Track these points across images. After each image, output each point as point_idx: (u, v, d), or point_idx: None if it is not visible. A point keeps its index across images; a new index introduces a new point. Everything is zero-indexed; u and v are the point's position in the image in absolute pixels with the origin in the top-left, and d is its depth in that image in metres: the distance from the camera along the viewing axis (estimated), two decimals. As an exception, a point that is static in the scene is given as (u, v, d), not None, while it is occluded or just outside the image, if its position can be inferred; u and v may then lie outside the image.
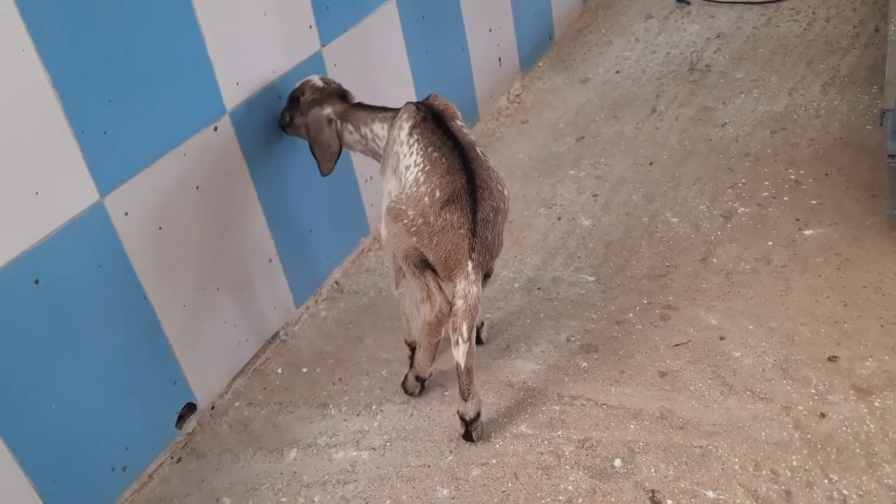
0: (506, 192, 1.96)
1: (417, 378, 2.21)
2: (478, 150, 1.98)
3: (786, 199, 2.73)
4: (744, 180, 2.86)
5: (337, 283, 2.74)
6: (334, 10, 2.55)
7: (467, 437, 2.04)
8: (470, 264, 1.86)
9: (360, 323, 2.56)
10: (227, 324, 2.33)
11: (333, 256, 2.74)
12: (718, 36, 3.90)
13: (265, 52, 2.32)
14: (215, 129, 2.18)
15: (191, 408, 2.24)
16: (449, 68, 3.23)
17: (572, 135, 3.33)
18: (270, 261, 2.45)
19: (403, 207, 1.91)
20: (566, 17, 4.21)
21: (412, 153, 1.96)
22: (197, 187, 2.15)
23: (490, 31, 3.51)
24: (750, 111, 3.26)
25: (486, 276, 2.03)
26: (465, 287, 1.87)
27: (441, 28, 3.15)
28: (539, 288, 2.56)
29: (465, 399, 1.98)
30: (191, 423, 2.25)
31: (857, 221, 2.56)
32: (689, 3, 4.24)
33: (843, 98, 3.21)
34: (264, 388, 2.37)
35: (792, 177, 2.83)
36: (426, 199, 1.87)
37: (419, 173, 1.91)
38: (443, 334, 1.99)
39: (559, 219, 2.86)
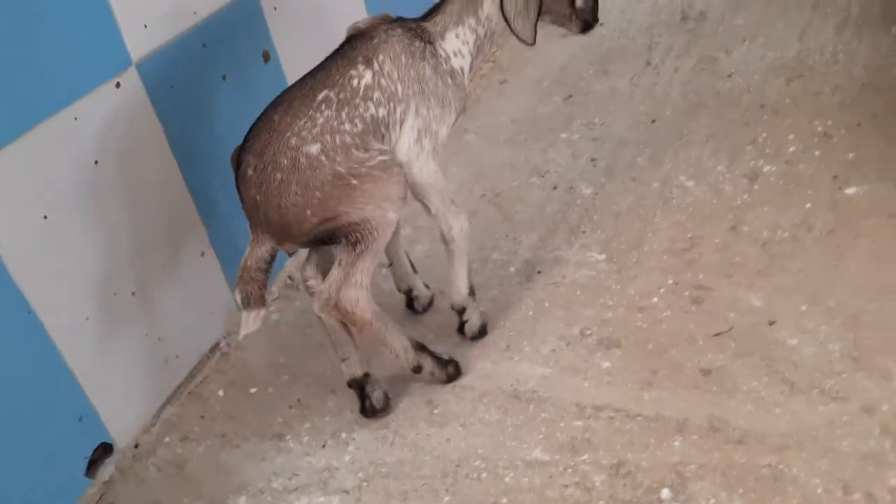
0: (304, 147, 1.53)
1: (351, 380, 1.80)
2: (306, 89, 1.59)
3: (817, 153, 2.32)
4: (764, 135, 2.45)
5: (291, 277, 2.24)
6: (269, -63, 2.04)
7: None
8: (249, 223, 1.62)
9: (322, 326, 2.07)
10: (149, 337, 1.82)
11: (284, 246, 2.24)
12: (709, -19, 3.48)
13: (182, -13, 1.81)
14: (117, 85, 1.66)
15: (106, 449, 1.74)
16: (412, 12, 2.74)
17: (559, 93, 2.88)
18: (203, 254, 1.94)
19: None
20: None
21: None
22: (95, 162, 1.63)
23: (455, -21, 3.02)
24: (758, 59, 2.85)
25: (329, 241, 1.62)
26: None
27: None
28: (540, 272, 2.11)
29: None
30: (107, 469, 1.74)
31: (908, 175, 2.16)
32: None
33: (861, 40, 2.81)
34: (202, 417, 1.87)
35: (819, 129, 2.42)
36: None
37: None
38: (356, 321, 1.67)
39: (555, 188, 2.41)
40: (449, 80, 1.68)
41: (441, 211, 1.74)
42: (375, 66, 1.60)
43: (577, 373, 1.79)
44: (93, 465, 1.71)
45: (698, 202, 2.24)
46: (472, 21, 1.69)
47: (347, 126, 1.56)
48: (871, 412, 1.58)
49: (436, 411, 1.76)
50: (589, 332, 1.89)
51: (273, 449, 1.75)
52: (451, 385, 1.82)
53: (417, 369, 1.77)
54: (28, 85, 1.48)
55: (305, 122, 1.54)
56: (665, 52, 3.01)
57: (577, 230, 2.22)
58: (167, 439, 1.83)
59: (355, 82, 1.58)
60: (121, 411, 1.76)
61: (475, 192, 2.45)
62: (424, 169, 1.67)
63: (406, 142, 1.64)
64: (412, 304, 2.03)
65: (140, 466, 1.76)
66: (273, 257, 1.62)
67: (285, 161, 1.53)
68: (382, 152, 1.59)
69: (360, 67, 1.59)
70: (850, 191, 2.16)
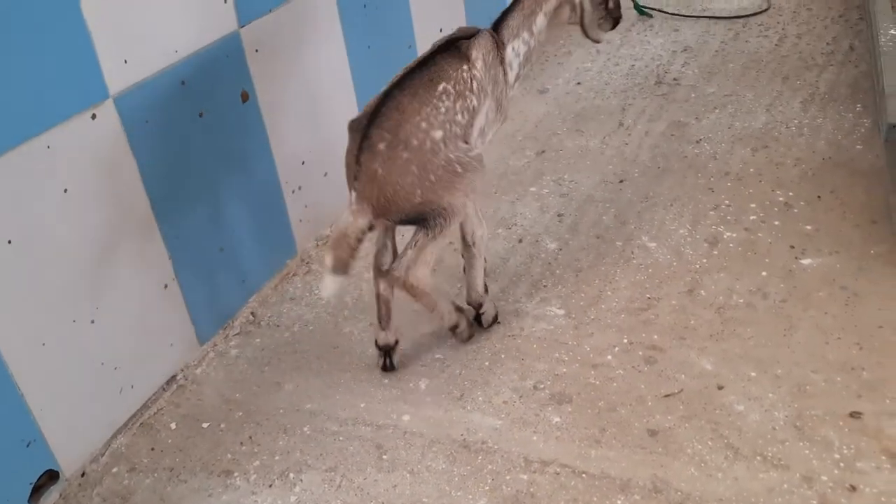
0: (431, 132, 1.69)
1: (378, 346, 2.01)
2: (426, 79, 1.73)
3: (776, 223, 2.40)
4: (727, 202, 2.52)
5: (253, 314, 2.25)
6: (256, -17, 2.10)
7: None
8: (353, 194, 1.70)
9: (280, 364, 2.09)
10: (106, 366, 1.82)
11: (249, 282, 2.26)
12: (685, 49, 3.60)
13: (166, 27, 1.85)
14: (93, 116, 1.69)
15: (51, 476, 1.72)
16: (393, 66, 2.80)
17: (532, 148, 2.95)
18: (166, 286, 1.95)
19: None
20: (521, 25, 3.86)
21: None
22: (65, 190, 1.65)
23: (441, 30, 3.11)
24: (726, 127, 2.94)
25: (415, 222, 1.75)
26: (342, 216, 1.71)
27: (386, 21, 2.74)
28: (499, 322, 2.14)
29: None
30: (50, 497, 1.72)
31: (859, 250, 2.23)
32: (651, 17, 3.96)
33: (826, 116, 2.92)
34: (152, 449, 1.86)
35: (781, 199, 2.50)
36: None
37: None
38: (418, 296, 1.84)
39: (520, 241, 2.45)
40: (506, 88, 1.89)
41: (470, 216, 1.88)
42: (478, 63, 1.79)
43: (528, 426, 1.81)
44: (37, 491, 1.70)
45: (658, 264, 2.29)
46: (526, 35, 1.91)
47: (460, 117, 1.73)
48: (811, 482, 1.61)
49: (385, 457, 1.77)
50: (542, 385, 1.92)
51: (220, 485, 1.75)
52: (401, 431, 1.83)
53: (455, 327, 2.00)
54: (2, 110, 1.50)
55: (431, 110, 1.69)
56: (637, 114, 3.10)
57: (539, 284, 2.26)
58: (115, 469, 1.81)
59: (466, 76, 1.76)
60: (70, 439, 1.75)
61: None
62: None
63: (473, 135, 1.80)
64: (478, 318, 2.13)
65: (84, 496, 1.75)
66: (370, 230, 1.72)
67: (415, 142, 1.66)
68: (472, 147, 1.77)
69: (467, 64, 1.78)
70: (805, 262, 2.22)
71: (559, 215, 2.56)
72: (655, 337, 2.03)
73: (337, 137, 2.53)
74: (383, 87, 1.76)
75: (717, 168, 2.70)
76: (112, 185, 1.77)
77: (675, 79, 3.35)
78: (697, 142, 2.88)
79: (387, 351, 1.99)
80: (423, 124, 1.68)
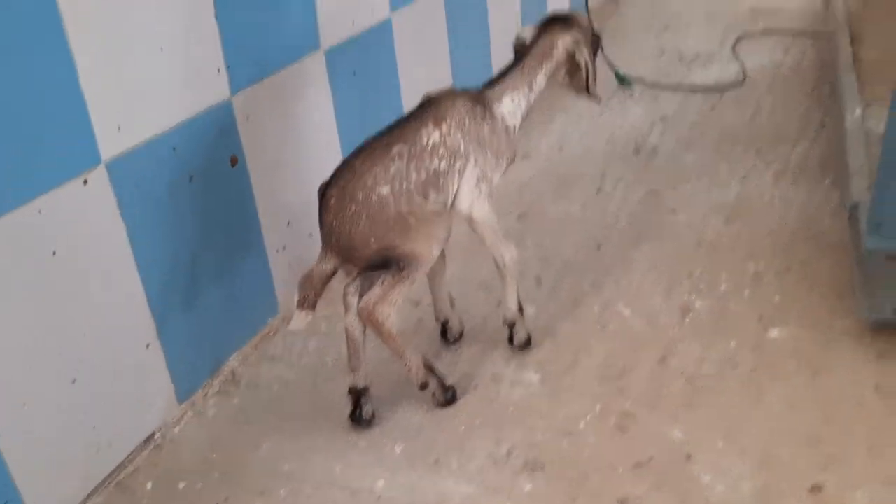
0: (378, 188, 1.87)
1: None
2: (383, 143, 1.91)
3: (746, 293, 2.47)
4: (700, 271, 2.60)
5: (233, 373, 2.28)
6: (250, 53, 2.19)
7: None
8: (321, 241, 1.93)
9: (259, 424, 2.11)
10: (84, 424, 1.84)
11: (230, 340, 2.30)
12: (663, 119, 3.73)
13: (159, 95, 1.93)
14: (85, 182, 1.75)
15: (25, 536, 1.73)
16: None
17: (515, 211, 3.03)
18: (148, 346, 1.99)
19: None
20: (506, 90, 3.99)
21: None
22: (53, 253, 1.70)
23: (427, 96, 3.22)
24: (701, 197, 3.04)
25: (383, 266, 1.91)
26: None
27: (375, 87, 2.84)
28: (476, 386, 2.18)
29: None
30: (23, 558, 1.72)
31: (827, 324, 2.30)
32: (631, 87, 4.10)
33: (798, 189, 3.03)
34: (127, 509, 1.87)
35: (751, 270, 2.58)
36: None
37: None
38: (382, 333, 1.95)
39: (499, 304, 2.50)
40: (503, 135, 2.05)
41: (494, 243, 2.10)
42: (444, 127, 1.94)
43: (500, 493, 1.84)
44: (9, 552, 1.70)
45: (633, 331, 2.35)
46: (525, 89, 2.09)
47: (413, 176, 1.89)
48: (774, 555, 1.65)
49: (359, 522, 1.79)
50: (516, 452, 1.95)
51: (193, 549, 1.76)
52: (376, 496, 1.85)
53: (424, 386, 2.06)
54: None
55: (380, 169, 1.87)
56: (616, 181, 3.20)
57: (516, 350, 2.31)
58: (88, 530, 1.82)
59: (425, 140, 1.92)
60: (46, 498, 1.76)
61: (423, 301, 2.54)
62: (481, 209, 2.03)
63: (467, 187, 1.98)
64: (445, 334, 2.34)
65: (56, 557, 1.75)
66: (333, 274, 1.94)
67: (360, 196, 1.86)
68: (436, 201, 1.93)
69: (430, 127, 1.93)
70: (773, 333, 2.29)
71: (538, 279, 2.62)
72: (628, 405, 2.07)
73: (323, 200, 2.61)
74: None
75: (691, 237, 2.79)
76: (99, 248, 1.82)
77: (653, 147, 3.46)
78: (673, 210, 2.97)
79: (356, 396, 2.05)
80: (370, 181, 1.87)
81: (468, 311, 2.47)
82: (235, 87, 2.16)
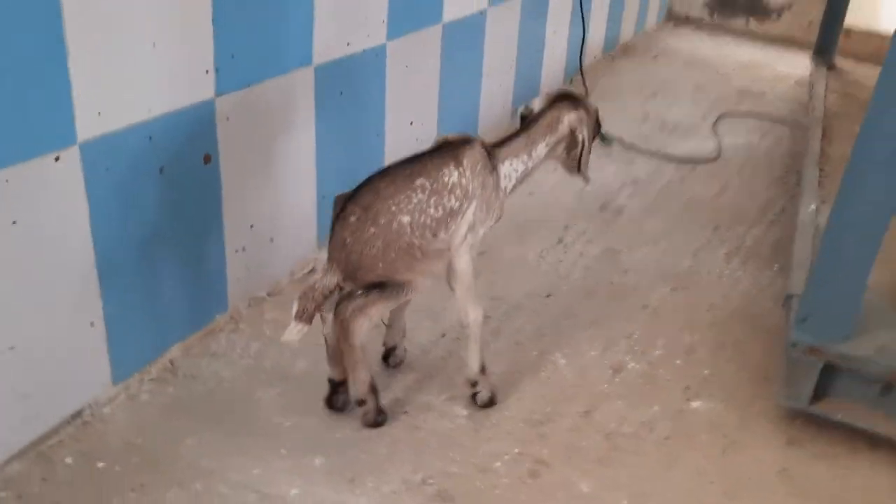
0: (399, 216, 1.95)
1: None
2: (407, 172, 1.99)
3: (678, 362, 2.58)
4: (639, 334, 2.70)
5: (172, 363, 2.33)
6: (241, 58, 2.27)
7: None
8: (327, 255, 2.00)
9: (188, 417, 2.16)
10: (16, 392, 1.88)
11: (175, 331, 2.34)
12: (634, 182, 3.86)
13: (143, 87, 1.99)
14: (57, 159, 1.81)
15: (-64, 492, 1.76)
16: (358, 151, 2.99)
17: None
18: (92, 324, 2.03)
19: None
20: (492, 128, 4.09)
21: None
22: (14, 222, 1.75)
23: (411, 123, 3.32)
24: (654, 263, 3.16)
25: (376, 288, 1.99)
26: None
27: (359, 108, 2.92)
28: (406, 412, 2.25)
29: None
30: (-70, 512, 1.75)
31: (747, 403, 2.41)
32: (611, 145, 4.23)
33: (746, 270, 3.16)
34: (44, 480, 1.90)
35: (687, 340, 2.69)
36: None
37: None
38: (349, 341, 2.02)
39: (443, 336, 2.59)
40: (499, 193, 2.14)
41: (463, 297, 2.14)
42: (462, 169, 2.02)
43: (407, 519, 1.90)
44: (-83, 505, 1.73)
45: (564, 381, 2.44)
46: (524, 156, 2.18)
47: (431, 211, 1.98)
48: None
49: (266, 526, 1.84)
50: (431, 481, 2.02)
51: (100, 528, 1.80)
52: (287, 504, 1.91)
53: (361, 403, 2.13)
54: (-28, 142, 1.62)
55: (403, 198, 1.95)
56: (578, 234, 3.31)
57: (452, 381, 2.38)
58: (3, 494, 1.85)
59: (446, 178, 2.00)
60: (-37, 458, 1.79)
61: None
62: (463, 258, 2.08)
63: (460, 232, 2.05)
64: (387, 358, 2.41)
65: (-36, 517, 1.78)
66: (335, 290, 1.99)
67: (383, 220, 1.94)
68: (443, 241, 2.02)
69: (451, 167, 2.01)
70: (695, 404, 2.39)
71: (485, 316, 2.70)
72: (545, 452, 2.15)
73: (290, 209, 2.69)
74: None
75: (637, 299, 2.90)
76: (60, 223, 1.87)
77: (618, 207, 3.59)
78: (625, 271, 3.08)
79: (333, 386, 2.17)
80: (394, 208, 1.94)
81: (411, 339, 2.54)
82: (221, 89, 2.23)
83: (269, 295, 2.67)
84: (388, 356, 2.41)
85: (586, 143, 2.22)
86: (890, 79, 1.90)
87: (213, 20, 2.13)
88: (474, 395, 2.27)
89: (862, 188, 2.01)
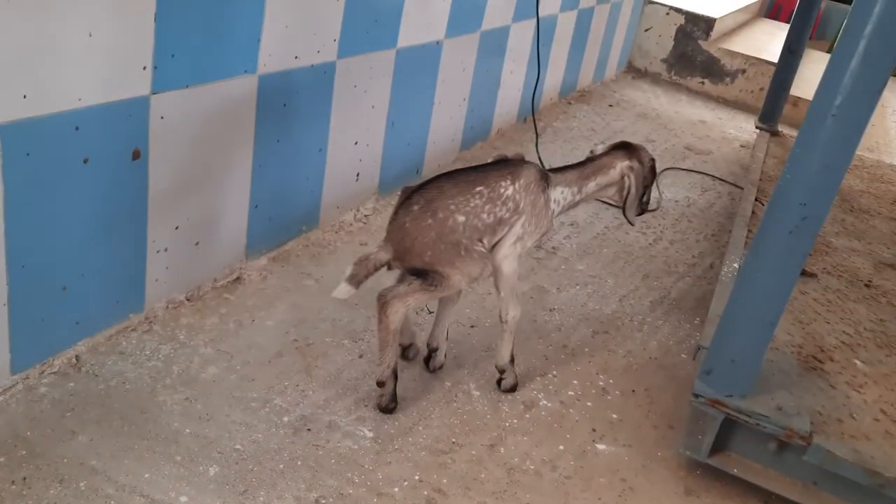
0: (456, 214, 2.17)
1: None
2: (470, 178, 2.23)
3: (589, 404, 2.61)
4: (555, 372, 2.74)
5: (77, 358, 2.28)
6: (181, 60, 2.26)
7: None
8: (385, 235, 2.23)
9: (83, 414, 2.10)
10: None
11: (84, 326, 2.29)
12: (572, 224, 3.93)
13: (75, 76, 1.97)
14: (-27, 136, 1.78)
15: None
16: (298, 164, 2.99)
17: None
18: (-6, 309, 1.98)
19: None
20: (438, 157, 4.14)
21: None
22: (-82, 196, 1.71)
23: (356, 143, 3.33)
24: (580, 305, 3.21)
25: (419, 275, 2.18)
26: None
27: (303, 122, 2.93)
28: (309, 429, 2.23)
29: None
30: None
31: (650, 449, 2.45)
32: (655, 210, 4.27)
33: (668, 320, 3.23)
34: (-81, 466, 1.84)
35: (601, 383, 2.73)
36: None
37: None
38: (384, 322, 2.20)
39: (360, 356, 2.58)
40: (548, 213, 2.35)
41: (506, 297, 2.39)
42: (517, 185, 2.25)
43: (294, 536, 1.88)
44: None
45: (475, 412, 2.45)
46: (575, 189, 2.41)
47: (484, 216, 2.20)
48: None
49: (147, 532, 1.80)
50: (324, 500, 2.00)
51: (-29, 520, 1.74)
52: (173, 511, 1.87)
53: (381, 384, 2.30)
54: None
55: (462, 199, 2.19)
56: (509, 270, 3.35)
57: (361, 403, 2.38)
58: None
59: (502, 190, 2.23)
60: None
61: (289, 335, 2.60)
62: (510, 265, 2.32)
63: (509, 241, 2.28)
64: (428, 361, 2.59)
65: None
66: (385, 264, 2.22)
67: (441, 215, 2.16)
68: (486, 245, 2.24)
69: (508, 181, 2.24)
70: (600, 446, 2.43)
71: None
72: (444, 481, 2.16)
73: (220, 215, 2.67)
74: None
75: (558, 339, 2.94)
76: (-30, 202, 1.83)
77: (553, 247, 3.65)
78: (551, 310, 3.12)
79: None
80: (452, 206, 2.17)
81: (329, 355, 2.53)
82: (158, 86, 2.22)
83: (187, 299, 2.63)
84: (430, 358, 2.57)
85: (632, 191, 2.44)
86: (801, 151, 1.99)
87: (155, 17, 2.12)
88: (499, 381, 2.54)
89: (768, 253, 2.08)
